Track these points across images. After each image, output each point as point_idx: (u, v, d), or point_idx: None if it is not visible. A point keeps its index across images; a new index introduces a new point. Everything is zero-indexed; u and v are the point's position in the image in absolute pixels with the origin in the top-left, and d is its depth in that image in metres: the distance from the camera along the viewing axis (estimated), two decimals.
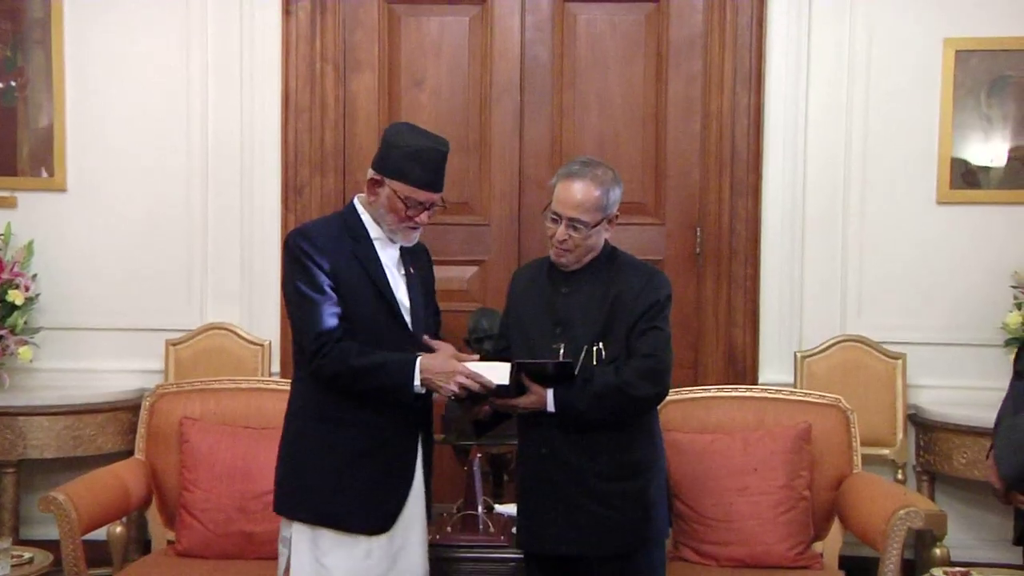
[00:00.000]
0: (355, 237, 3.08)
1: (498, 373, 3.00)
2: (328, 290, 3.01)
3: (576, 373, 3.05)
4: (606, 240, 3.18)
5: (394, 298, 3.08)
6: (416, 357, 3.00)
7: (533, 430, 3.14)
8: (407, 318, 3.11)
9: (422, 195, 3.04)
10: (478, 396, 3.06)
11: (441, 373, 2.99)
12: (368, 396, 3.01)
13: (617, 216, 3.17)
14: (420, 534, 3.17)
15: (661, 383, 3.09)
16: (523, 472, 3.25)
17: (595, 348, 3.07)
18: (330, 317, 3.00)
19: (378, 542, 3.05)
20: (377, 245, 3.10)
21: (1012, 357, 3.09)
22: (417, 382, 2.98)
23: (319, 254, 3.01)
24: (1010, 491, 2.94)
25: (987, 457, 3.05)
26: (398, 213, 3.06)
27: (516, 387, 3.04)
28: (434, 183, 3.06)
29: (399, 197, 3.03)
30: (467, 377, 2.98)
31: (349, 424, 3.03)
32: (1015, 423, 2.90)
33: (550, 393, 3.05)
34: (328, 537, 3.04)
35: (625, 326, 3.08)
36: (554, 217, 3.11)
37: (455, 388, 2.99)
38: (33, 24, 5.11)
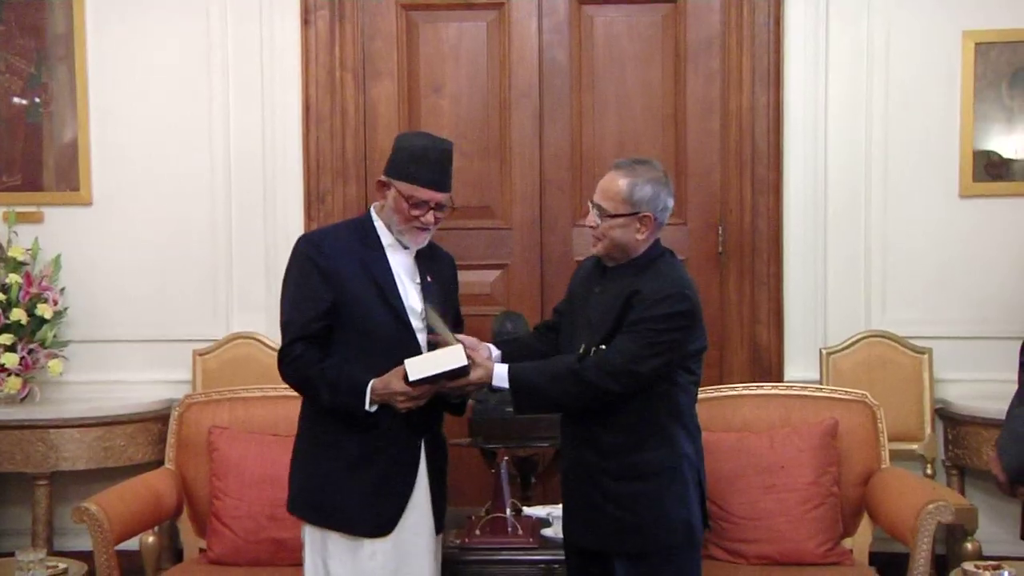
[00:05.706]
0: (367, 244, 3.12)
1: (454, 357, 2.98)
2: (317, 299, 3.04)
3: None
4: (659, 243, 3.17)
5: (401, 304, 3.09)
6: (368, 381, 3.01)
7: (567, 427, 3.18)
8: (415, 324, 3.12)
9: (425, 193, 3.06)
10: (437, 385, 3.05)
11: (387, 394, 3.01)
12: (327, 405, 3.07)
13: (650, 218, 3.09)
14: (428, 541, 3.16)
15: (619, 381, 2.98)
16: (559, 467, 3.31)
17: (599, 349, 3.05)
18: (307, 326, 3.04)
19: (382, 545, 3.07)
20: (389, 252, 3.14)
21: (1020, 348, 2.99)
22: (368, 406, 3.01)
23: (324, 260, 3.05)
24: (1014, 484, 2.86)
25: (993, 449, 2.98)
26: (403, 213, 3.09)
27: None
28: (438, 182, 3.08)
29: (403, 196, 3.06)
30: (404, 396, 3.00)
31: (351, 427, 3.06)
32: (1019, 413, 2.84)
33: (497, 367, 3.07)
34: (334, 539, 3.08)
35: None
36: (591, 203, 3.15)
37: (404, 407, 3.02)
38: (56, 41, 5.16)
